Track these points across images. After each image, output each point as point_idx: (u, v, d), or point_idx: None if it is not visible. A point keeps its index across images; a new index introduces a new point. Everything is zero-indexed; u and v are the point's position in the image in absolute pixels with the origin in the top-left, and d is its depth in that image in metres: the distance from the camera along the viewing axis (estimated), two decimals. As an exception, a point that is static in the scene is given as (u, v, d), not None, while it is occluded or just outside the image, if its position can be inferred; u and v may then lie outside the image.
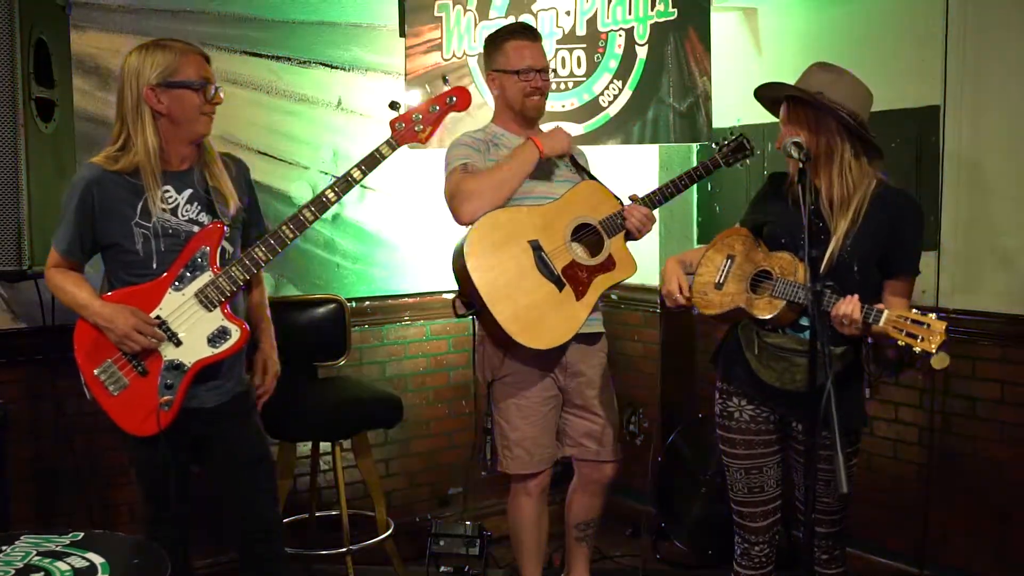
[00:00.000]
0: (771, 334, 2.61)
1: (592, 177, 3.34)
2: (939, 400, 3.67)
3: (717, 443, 2.84)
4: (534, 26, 3.42)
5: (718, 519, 4.05)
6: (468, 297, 3.14)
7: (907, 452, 3.81)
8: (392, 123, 2.78)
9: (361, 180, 2.73)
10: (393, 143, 2.76)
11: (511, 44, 3.22)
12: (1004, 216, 3.47)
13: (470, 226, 3.12)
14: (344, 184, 2.71)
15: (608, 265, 3.18)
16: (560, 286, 3.12)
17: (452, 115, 3.91)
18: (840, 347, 2.57)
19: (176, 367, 2.62)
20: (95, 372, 2.61)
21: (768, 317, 2.56)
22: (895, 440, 3.85)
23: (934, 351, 2.27)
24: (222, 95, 2.69)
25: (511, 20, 3.94)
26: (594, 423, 3.30)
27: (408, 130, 2.78)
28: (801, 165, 2.47)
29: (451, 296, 4.33)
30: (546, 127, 3.42)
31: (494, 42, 3.29)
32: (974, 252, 3.53)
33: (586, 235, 3.18)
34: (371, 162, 2.74)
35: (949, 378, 3.63)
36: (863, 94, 2.61)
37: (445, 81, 2.89)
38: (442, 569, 3.95)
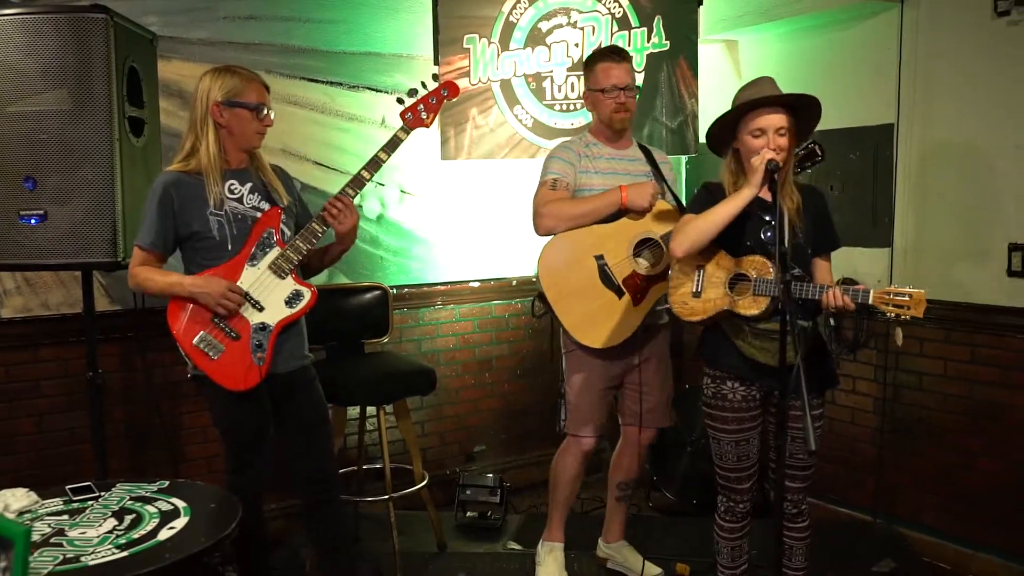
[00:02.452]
0: (758, 325, 2.54)
1: (670, 190, 3.19)
2: (891, 374, 3.65)
3: (704, 420, 2.77)
4: (624, 48, 3.25)
5: (701, 475, 4.05)
6: (542, 300, 3.10)
7: (863, 419, 3.79)
8: (402, 114, 2.82)
9: (386, 160, 2.77)
10: (407, 129, 2.81)
11: (600, 66, 3.11)
12: (947, 218, 3.44)
13: (546, 238, 3.07)
14: (374, 165, 2.75)
15: (664, 275, 3.02)
16: (620, 294, 3.04)
17: (480, 131, 3.94)
18: (810, 321, 2.57)
19: (262, 328, 2.64)
20: (194, 342, 2.60)
21: (755, 314, 2.50)
22: (853, 408, 3.83)
23: (921, 316, 2.28)
24: (272, 117, 2.72)
25: (528, 51, 3.93)
26: (648, 395, 3.22)
27: (416, 118, 2.82)
28: (774, 176, 2.44)
29: (476, 285, 4.38)
30: (555, 142, 3.39)
31: (588, 65, 3.17)
32: (921, 248, 3.51)
33: (649, 247, 3.08)
34: (392, 145, 2.77)
35: (899, 355, 3.61)
36: None
37: (435, 78, 2.89)
38: (468, 514, 3.97)
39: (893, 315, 2.30)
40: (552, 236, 3.06)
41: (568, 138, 3.27)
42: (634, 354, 3.16)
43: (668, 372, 3.31)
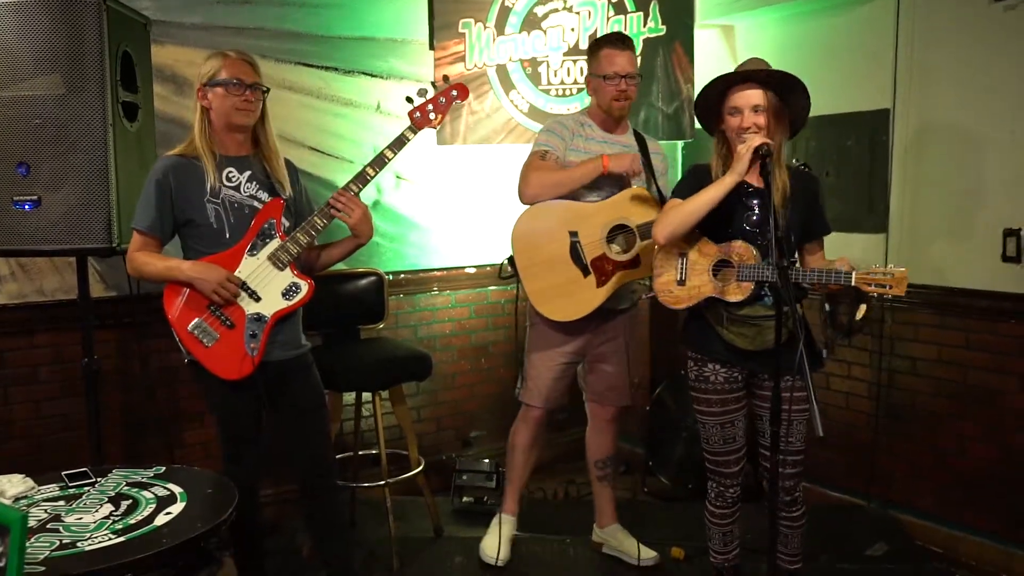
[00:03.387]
0: (738, 310, 2.56)
1: (656, 183, 3.22)
2: (886, 360, 3.66)
3: (692, 404, 2.80)
4: (628, 35, 3.28)
5: (696, 459, 4.05)
6: (512, 264, 3.18)
7: (858, 404, 3.80)
8: (410, 113, 2.80)
9: (392, 159, 2.75)
10: (414, 128, 2.79)
11: (604, 52, 3.15)
12: (942, 204, 3.44)
13: (527, 206, 3.14)
14: (379, 162, 2.74)
15: (633, 263, 3.11)
16: (586, 273, 3.10)
17: (475, 116, 3.92)
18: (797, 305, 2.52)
19: (258, 319, 2.64)
20: (188, 329, 2.60)
21: (741, 300, 2.53)
22: (848, 393, 3.84)
23: (904, 294, 2.30)
24: (250, 94, 2.63)
25: (524, 35, 3.92)
26: (609, 372, 3.32)
27: (424, 118, 2.81)
28: (765, 161, 2.42)
29: (472, 271, 4.38)
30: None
31: (592, 50, 3.22)
32: (917, 233, 3.51)
33: (623, 234, 3.13)
34: (399, 144, 2.76)
35: (894, 341, 3.62)
36: None
37: (445, 79, 2.89)
38: (464, 499, 3.98)
39: (877, 295, 2.34)
40: (533, 204, 3.12)
41: (566, 114, 3.29)
42: (594, 333, 3.26)
43: (634, 355, 3.35)
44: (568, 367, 3.33)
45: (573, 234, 3.10)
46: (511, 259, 3.18)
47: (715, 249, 2.58)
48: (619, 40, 3.19)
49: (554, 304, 3.13)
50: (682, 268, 2.63)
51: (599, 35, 3.28)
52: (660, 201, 3.14)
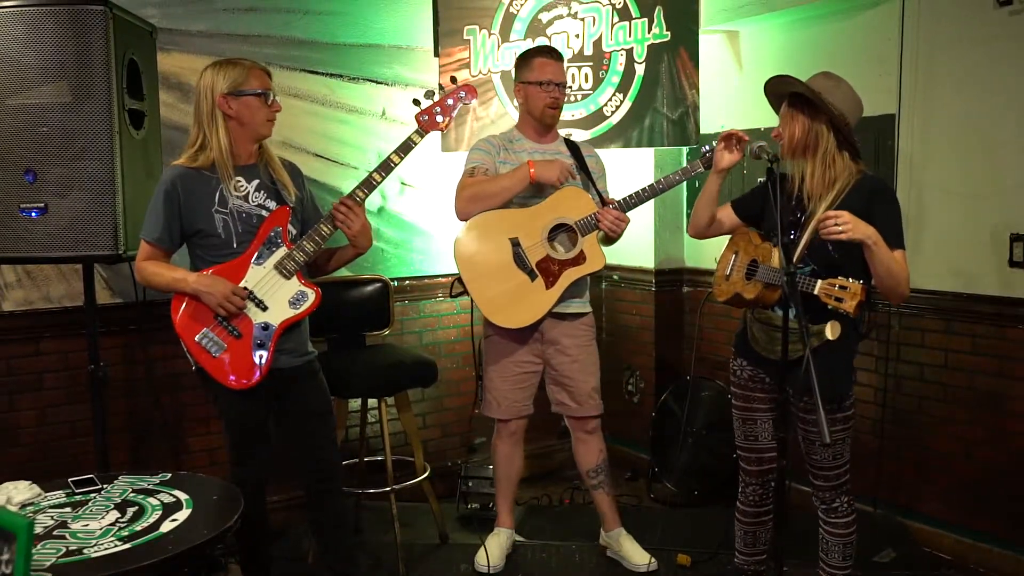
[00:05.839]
0: (762, 311, 2.61)
1: (594, 185, 3.26)
2: (892, 365, 3.65)
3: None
4: (557, 48, 3.36)
5: (702, 465, 4.06)
6: (460, 281, 3.22)
7: (864, 409, 3.78)
8: (417, 117, 2.81)
9: (399, 163, 2.75)
10: (421, 132, 2.79)
11: (537, 60, 3.23)
12: (948, 209, 3.44)
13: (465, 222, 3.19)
14: (386, 167, 2.74)
15: (579, 260, 3.15)
16: (533, 277, 3.14)
17: (480, 122, 3.93)
18: (818, 325, 2.43)
19: (265, 328, 2.64)
20: (196, 339, 2.61)
21: (751, 298, 2.58)
22: (854, 399, 3.82)
23: (852, 311, 2.27)
24: (280, 103, 2.73)
25: (529, 42, 3.92)
26: (568, 385, 3.32)
27: (431, 121, 2.81)
28: (769, 165, 2.42)
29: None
30: (560, 131, 3.41)
31: (524, 58, 3.30)
32: (924, 239, 3.49)
33: (563, 232, 3.18)
34: (405, 148, 2.76)
35: (900, 346, 3.61)
36: (855, 101, 2.56)
37: (453, 80, 2.89)
38: (470, 505, 3.97)
39: (831, 307, 2.31)
40: (470, 219, 3.17)
41: (495, 134, 3.40)
42: (548, 343, 3.30)
43: (590, 359, 3.36)
44: (526, 376, 3.35)
45: (514, 241, 3.15)
46: (459, 276, 3.20)
47: (754, 249, 2.65)
48: (550, 51, 3.29)
49: (506, 312, 3.17)
50: (731, 264, 2.72)
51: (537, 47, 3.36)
52: (600, 201, 3.21)
